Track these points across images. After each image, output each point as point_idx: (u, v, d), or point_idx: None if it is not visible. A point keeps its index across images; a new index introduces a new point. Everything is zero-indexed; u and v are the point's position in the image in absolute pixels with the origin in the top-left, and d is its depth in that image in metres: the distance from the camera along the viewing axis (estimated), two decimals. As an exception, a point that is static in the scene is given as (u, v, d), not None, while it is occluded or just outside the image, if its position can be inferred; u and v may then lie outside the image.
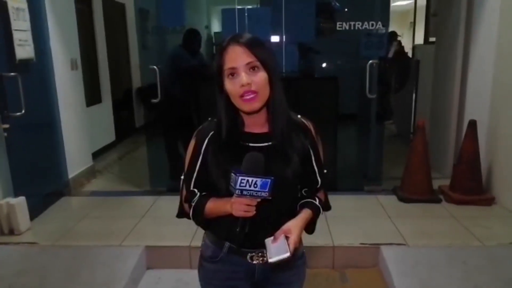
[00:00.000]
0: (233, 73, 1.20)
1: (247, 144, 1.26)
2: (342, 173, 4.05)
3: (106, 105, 5.88)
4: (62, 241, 3.06)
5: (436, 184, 3.75)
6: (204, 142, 1.29)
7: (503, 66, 3.50)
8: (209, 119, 1.34)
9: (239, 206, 1.16)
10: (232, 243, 1.32)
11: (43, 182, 3.69)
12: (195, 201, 1.31)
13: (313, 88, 4.00)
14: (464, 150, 3.54)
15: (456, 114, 4.19)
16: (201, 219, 1.31)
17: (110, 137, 6.02)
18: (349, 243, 2.96)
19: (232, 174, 1.15)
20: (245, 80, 1.18)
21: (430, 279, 2.55)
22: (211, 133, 1.29)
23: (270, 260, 1.18)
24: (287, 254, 1.17)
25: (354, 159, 4.51)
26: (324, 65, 4.57)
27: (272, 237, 1.23)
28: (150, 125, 5.69)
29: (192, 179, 1.31)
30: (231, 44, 1.21)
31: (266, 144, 1.27)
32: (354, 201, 3.75)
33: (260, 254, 1.32)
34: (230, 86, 1.21)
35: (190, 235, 2.93)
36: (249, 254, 1.32)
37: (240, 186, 1.12)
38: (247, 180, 1.12)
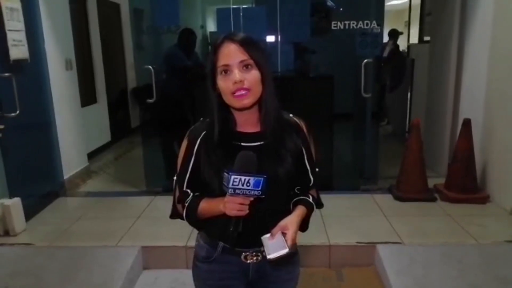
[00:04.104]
0: (226, 70, 1.20)
1: (239, 143, 1.26)
2: (338, 172, 4.06)
3: (101, 105, 5.86)
4: (58, 242, 3.05)
5: (431, 182, 3.77)
6: (196, 142, 1.28)
7: (497, 65, 3.51)
8: (201, 119, 1.34)
9: (232, 205, 1.16)
10: (225, 243, 1.32)
11: (39, 183, 3.68)
12: (188, 201, 1.30)
13: (308, 87, 4.00)
14: (458, 149, 3.56)
15: (450, 113, 4.21)
16: (194, 219, 1.31)
17: (106, 137, 6.01)
18: (345, 242, 2.97)
19: (225, 173, 1.14)
20: (238, 77, 1.18)
21: (426, 277, 2.56)
22: (203, 133, 1.28)
23: (268, 257, 1.17)
24: (286, 250, 1.17)
25: (350, 158, 4.53)
26: (319, 64, 4.58)
27: (269, 234, 1.23)
28: (146, 126, 5.68)
29: (185, 179, 1.31)
30: (226, 42, 1.21)
31: (258, 143, 1.27)
32: (350, 200, 3.75)
33: (254, 253, 1.32)
34: (223, 83, 1.21)
35: (187, 235, 2.93)
36: (243, 253, 1.32)
37: (233, 185, 1.12)
38: (240, 179, 1.11)
